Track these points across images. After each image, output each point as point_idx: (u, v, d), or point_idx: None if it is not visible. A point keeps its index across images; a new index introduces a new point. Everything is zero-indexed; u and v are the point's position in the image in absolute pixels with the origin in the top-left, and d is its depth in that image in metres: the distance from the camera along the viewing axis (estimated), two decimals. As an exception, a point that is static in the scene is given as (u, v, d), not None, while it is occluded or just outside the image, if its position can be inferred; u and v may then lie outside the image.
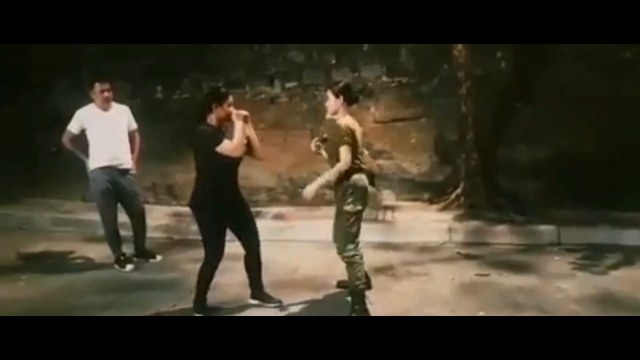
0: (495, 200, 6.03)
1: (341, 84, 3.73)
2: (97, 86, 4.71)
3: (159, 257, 5.09)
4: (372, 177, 3.74)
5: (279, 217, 6.09)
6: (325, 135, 3.89)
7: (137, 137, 5.03)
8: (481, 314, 3.66)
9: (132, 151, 4.96)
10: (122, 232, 4.93)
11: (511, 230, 5.48)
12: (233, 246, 3.81)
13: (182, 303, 3.88)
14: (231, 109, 3.62)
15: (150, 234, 5.24)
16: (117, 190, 4.79)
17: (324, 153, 3.82)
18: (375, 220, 5.74)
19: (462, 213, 5.90)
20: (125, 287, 4.34)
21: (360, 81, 6.80)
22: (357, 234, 3.63)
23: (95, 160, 4.73)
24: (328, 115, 3.78)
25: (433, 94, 6.72)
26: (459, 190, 6.18)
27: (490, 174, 6.22)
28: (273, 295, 3.91)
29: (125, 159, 4.86)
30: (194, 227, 5.82)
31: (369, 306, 3.64)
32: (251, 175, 6.17)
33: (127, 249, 4.98)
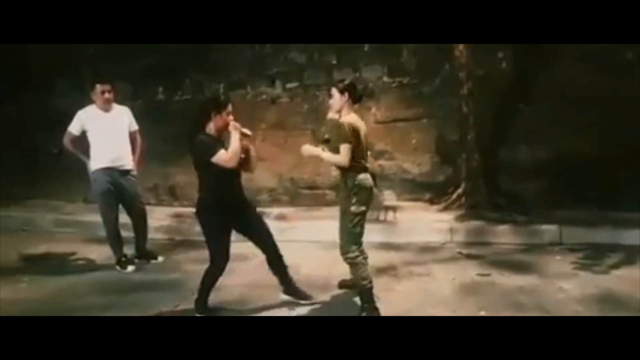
0: (496, 200, 6.02)
1: (346, 82, 3.69)
2: (98, 87, 4.72)
3: (160, 258, 5.10)
4: (373, 177, 3.74)
5: (280, 217, 6.09)
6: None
7: (138, 138, 5.03)
8: (482, 314, 3.66)
9: (133, 152, 4.96)
10: (124, 233, 4.94)
11: (512, 230, 5.48)
12: (237, 247, 3.81)
13: (183, 304, 3.88)
14: (230, 118, 3.61)
15: (151, 235, 5.25)
16: (118, 192, 4.80)
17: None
18: (377, 220, 5.74)
19: (464, 213, 5.90)
20: (126, 288, 4.34)
21: (362, 81, 6.80)
22: (361, 235, 3.62)
23: (97, 161, 4.74)
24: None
25: (434, 94, 6.72)
26: (460, 191, 6.18)
27: (491, 174, 6.22)
28: (273, 295, 3.91)
29: (127, 160, 4.86)
30: (196, 228, 5.84)
31: (377, 304, 3.62)
32: (252, 176, 6.16)
33: (129, 250, 4.99)
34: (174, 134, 6.94)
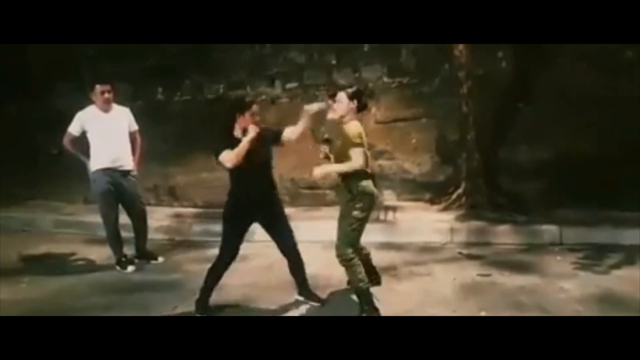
0: (496, 200, 6.02)
1: (355, 88, 3.67)
2: (98, 88, 4.72)
3: (160, 259, 5.09)
4: (372, 177, 3.73)
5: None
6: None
7: (138, 139, 5.03)
8: (483, 314, 3.65)
9: (133, 153, 4.96)
10: (124, 234, 4.94)
11: (513, 230, 5.48)
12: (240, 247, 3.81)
13: (183, 304, 3.88)
14: (255, 119, 3.60)
15: (151, 235, 5.25)
16: (118, 192, 4.80)
17: (331, 156, 3.77)
18: (377, 220, 5.74)
19: (464, 213, 5.90)
20: (126, 289, 4.34)
21: (361, 82, 6.80)
22: (358, 238, 3.62)
23: (96, 161, 4.74)
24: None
25: (434, 94, 6.72)
26: (460, 191, 6.17)
27: (491, 174, 6.22)
28: (274, 295, 3.90)
29: (126, 161, 4.86)
30: (196, 229, 5.91)
31: (377, 304, 3.63)
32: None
33: (129, 251, 4.99)
34: (174, 134, 6.95)
